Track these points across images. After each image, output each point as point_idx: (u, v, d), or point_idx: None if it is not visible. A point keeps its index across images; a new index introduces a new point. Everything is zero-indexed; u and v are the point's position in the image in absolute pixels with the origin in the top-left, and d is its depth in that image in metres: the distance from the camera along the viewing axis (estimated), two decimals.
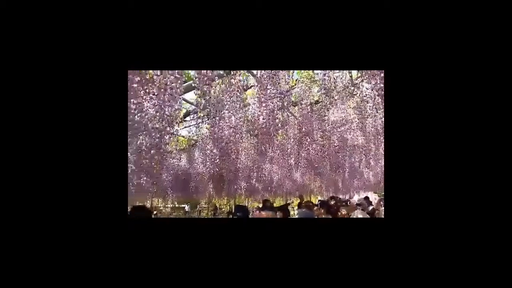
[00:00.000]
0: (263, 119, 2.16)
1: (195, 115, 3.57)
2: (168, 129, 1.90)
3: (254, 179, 4.60)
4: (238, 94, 2.18)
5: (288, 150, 3.34)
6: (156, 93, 1.69)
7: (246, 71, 2.33)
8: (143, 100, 1.72)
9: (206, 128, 3.65)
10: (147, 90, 1.68)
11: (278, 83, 2.03)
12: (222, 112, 2.15)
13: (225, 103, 2.14)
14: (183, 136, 4.52)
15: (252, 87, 2.63)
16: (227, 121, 2.25)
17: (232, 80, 2.05)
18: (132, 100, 1.67)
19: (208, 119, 2.48)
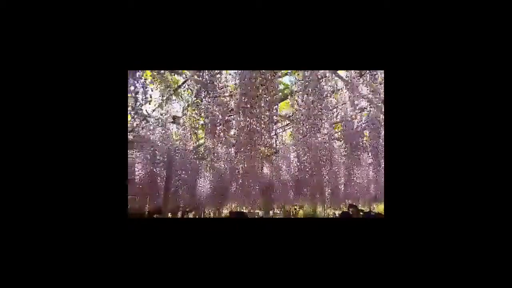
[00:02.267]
0: (358, 122, 2.17)
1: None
2: (264, 140, 2.05)
3: (342, 185, 4.40)
4: (330, 99, 2.19)
5: (380, 152, 3.20)
6: (249, 106, 1.85)
7: (335, 75, 2.34)
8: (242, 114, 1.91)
9: (290, 135, 3.68)
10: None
11: (374, 81, 2.06)
12: (314, 118, 2.16)
13: (317, 109, 2.15)
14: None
15: (340, 90, 2.63)
16: (319, 126, 2.25)
17: (325, 86, 2.08)
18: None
19: (297, 127, 2.47)
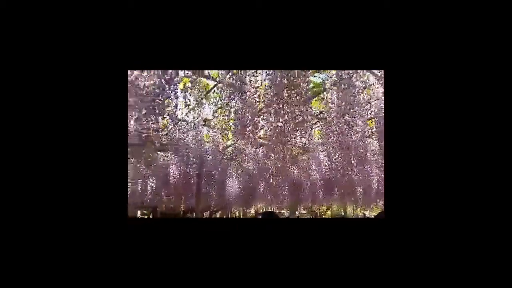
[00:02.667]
0: None
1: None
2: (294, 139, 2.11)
3: (376, 184, 4.24)
4: (362, 95, 2.18)
5: None
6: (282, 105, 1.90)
7: (366, 71, 2.32)
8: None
9: (318, 133, 3.68)
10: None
11: None
12: (347, 116, 2.12)
13: (349, 105, 2.11)
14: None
15: (372, 85, 2.58)
16: (352, 124, 2.20)
17: (357, 82, 2.07)
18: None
19: (329, 124, 2.46)
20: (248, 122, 2.08)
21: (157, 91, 1.60)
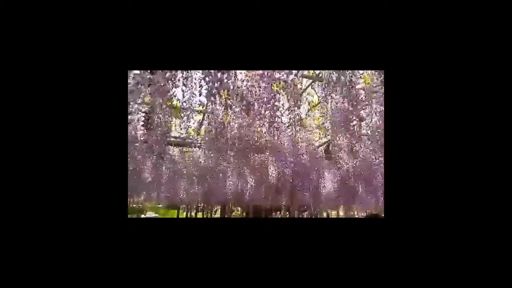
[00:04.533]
0: None
1: None
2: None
3: None
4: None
5: None
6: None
7: None
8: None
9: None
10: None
11: None
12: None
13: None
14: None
15: None
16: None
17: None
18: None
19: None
20: (350, 116, 1.98)
21: (271, 95, 1.65)
